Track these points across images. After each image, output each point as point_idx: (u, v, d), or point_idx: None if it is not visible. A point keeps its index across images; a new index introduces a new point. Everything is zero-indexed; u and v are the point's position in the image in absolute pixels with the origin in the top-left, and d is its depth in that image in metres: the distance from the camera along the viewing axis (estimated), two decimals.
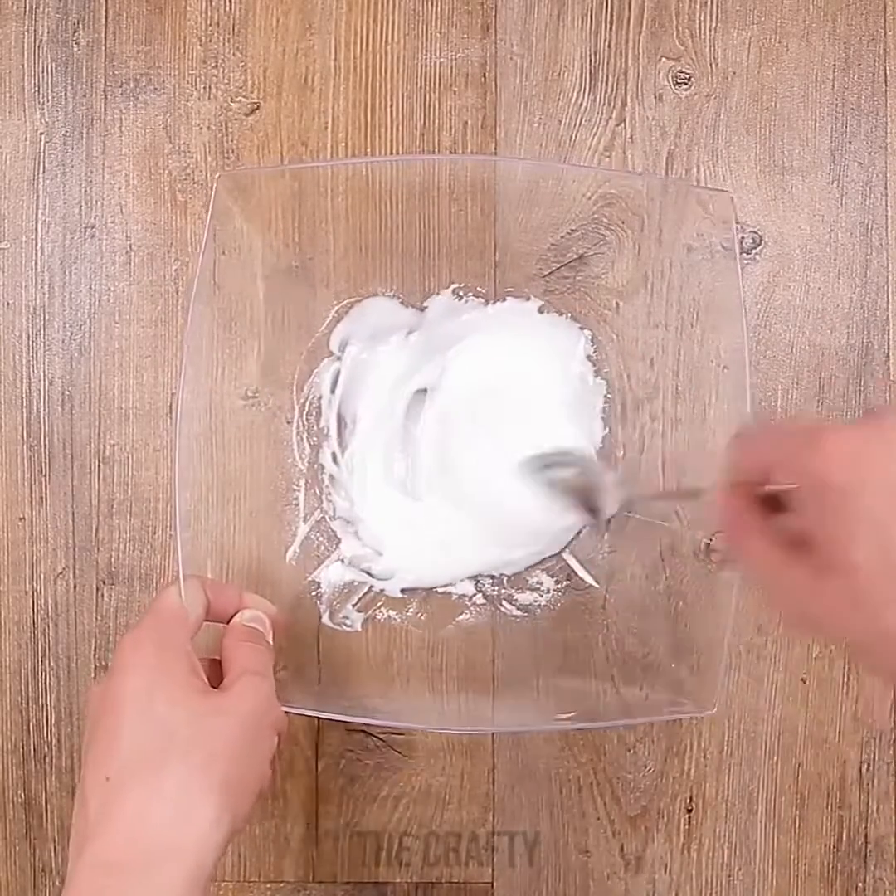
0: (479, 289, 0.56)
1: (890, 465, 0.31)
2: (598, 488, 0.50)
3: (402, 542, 0.54)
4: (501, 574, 0.55)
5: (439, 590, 0.55)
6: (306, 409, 0.56)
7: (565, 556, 0.55)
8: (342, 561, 0.55)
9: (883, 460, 0.31)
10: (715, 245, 0.50)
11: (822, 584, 0.32)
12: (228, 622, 0.45)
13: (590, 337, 0.55)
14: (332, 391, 0.55)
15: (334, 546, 0.55)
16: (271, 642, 0.45)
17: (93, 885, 0.35)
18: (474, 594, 0.55)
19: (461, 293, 0.56)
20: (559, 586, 0.55)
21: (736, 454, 0.37)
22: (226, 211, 0.50)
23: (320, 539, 0.55)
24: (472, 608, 0.55)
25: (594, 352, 0.55)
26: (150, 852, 0.35)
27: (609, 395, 0.55)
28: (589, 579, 0.55)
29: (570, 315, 0.55)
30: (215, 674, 0.42)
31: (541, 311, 0.56)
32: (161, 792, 0.36)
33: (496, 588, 0.55)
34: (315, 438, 0.56)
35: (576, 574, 0.55)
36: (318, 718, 0.55)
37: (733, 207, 0.50)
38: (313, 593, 0.55)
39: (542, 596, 0.55)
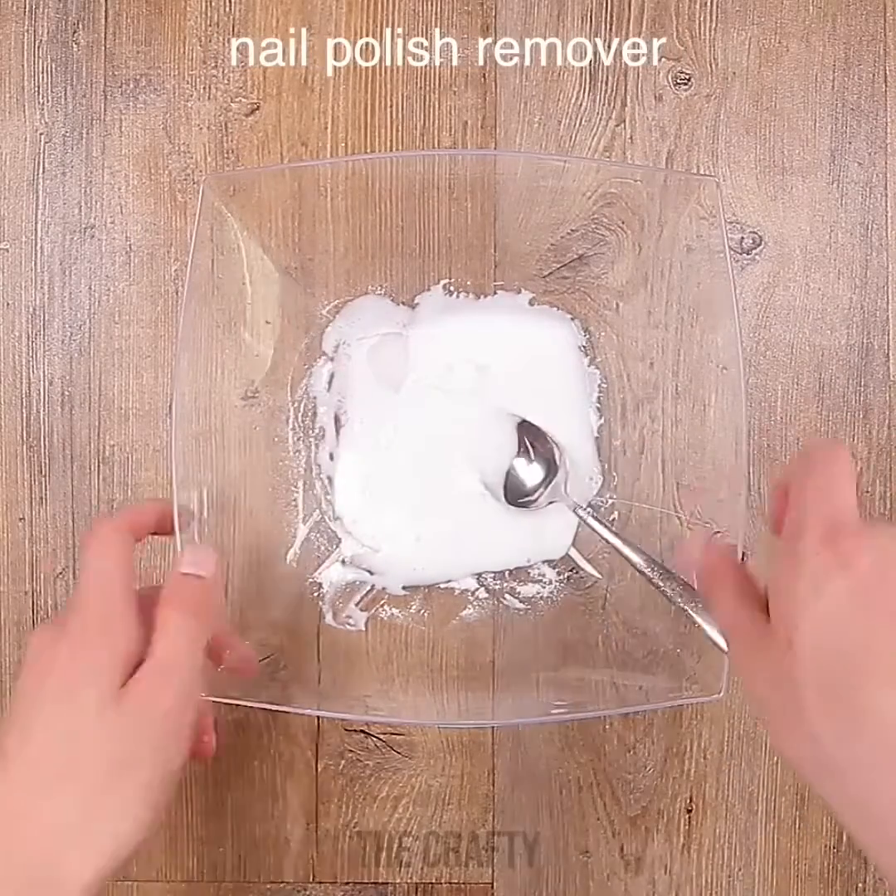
0: (468, 283, 0.56)
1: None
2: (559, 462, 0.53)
3: (398, 538, 0.54)
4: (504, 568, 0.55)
5: (442, 586, 0.55)
6: (301, 410, 0.56)
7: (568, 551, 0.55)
8: (343, 561, 0.55)
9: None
10: (714, 245, 0.50)
11: (774, 692, 0.27)
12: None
13: (582, 328, 0.55)
14: (328, 391, 0.56)
15: (334, 546, 0.55)
16: (215, 579, 0.41)
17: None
18: (477, 588, 0.55)
19: (452, 289, 0.56)
20: (561, 577, 0.55)
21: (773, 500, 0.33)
22: (218, 212, 0.50)
23: (320, 539, 0.55)
24: (474, 603, 0.55)
25: (587, 342, 0.56)
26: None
27: (604, 385, 0.56)
28: (590, 569, 0.55)
29: (559, 307, 0.56)
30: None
31: (531, 303, 0.56)
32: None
33: (499, 582, 0.55)
34: (311, 439, 0.56)
35: (578, 565, 0.55)
36: (318, 718, 0.55)
37: (720, 194, 0.50)
38: (315, 594, 0.55)
39: (544, 587, 0.55)
